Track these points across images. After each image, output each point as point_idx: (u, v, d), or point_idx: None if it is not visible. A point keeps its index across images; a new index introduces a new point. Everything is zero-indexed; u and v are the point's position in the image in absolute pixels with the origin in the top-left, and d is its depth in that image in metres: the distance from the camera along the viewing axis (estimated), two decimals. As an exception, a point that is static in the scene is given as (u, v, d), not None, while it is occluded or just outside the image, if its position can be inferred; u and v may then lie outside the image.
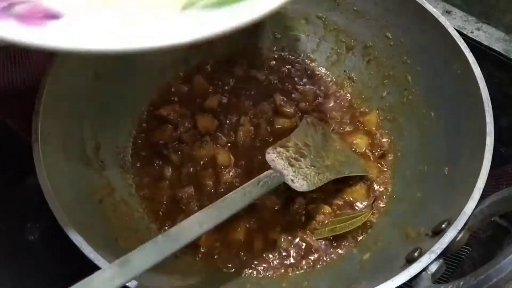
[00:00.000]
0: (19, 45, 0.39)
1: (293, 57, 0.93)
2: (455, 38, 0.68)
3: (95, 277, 0.46)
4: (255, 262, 0.71)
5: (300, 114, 0.85)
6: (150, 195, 0.77)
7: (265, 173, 0.66)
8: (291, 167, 0.70)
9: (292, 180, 0.68)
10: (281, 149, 0.71)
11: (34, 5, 0.44)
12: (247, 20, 0.44)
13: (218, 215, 0.57)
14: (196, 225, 0.55)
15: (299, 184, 0.69)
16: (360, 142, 0.82)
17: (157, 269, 0.50)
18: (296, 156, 0.72)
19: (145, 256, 0.50)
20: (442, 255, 0.53)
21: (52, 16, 0.43)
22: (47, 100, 0.62)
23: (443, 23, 0.70)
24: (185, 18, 0.45)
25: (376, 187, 0.78)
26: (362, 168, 0.79)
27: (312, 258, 0.72)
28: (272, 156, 0.70)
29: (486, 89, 0.63)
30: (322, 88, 0.89)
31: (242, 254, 0.72)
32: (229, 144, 0.81)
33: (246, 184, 0.62)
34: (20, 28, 0.40)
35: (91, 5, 0.46)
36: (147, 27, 0.44)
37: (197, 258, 0.71)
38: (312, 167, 0.72)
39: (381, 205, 0.77)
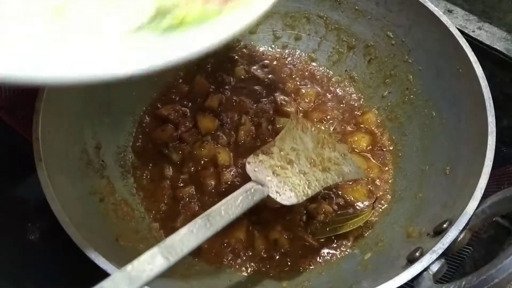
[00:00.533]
0: None
1: (294, 56, 0.92)
2: (456, 37, 0.68)
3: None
4: (256, 262, 0.71)
5: (301, 113, 0.85)
6: (150, 194, 0.76)
7: (244, 187, 0.58)
8: (276, 177, 0.62)
9: (277, 192, 0.60)
10: (264, 157, 0.63)
11: None
12: (201, 49, 0.39)
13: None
14: (159, 257, 0.49)
15: (286, 196, 0.61)
16: (361, 141, 0.82)
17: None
18: (282, 163, 0.64)
19: None
20: (444, 255, 0.53)
21: None
22: (47, 99, 0.62)
23: (445, 22, 0.70)
24: (130, 45, 0.40)
25: (377, 186, 0.78)
26: (360, 170, 0.72)
27: (313, 257, 0.72)
28: (253, 166, 0.61)
29: (488, 88, 0.63)
30: (323, 87, 0.89)
31: (243, 253, 0.72)
32: (230, 144, 0.81)
33: (220, 203, 0.54)
34: None
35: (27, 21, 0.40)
36: (88, 55, 0.39)
37: (197, 258, 0.71)
38: (301, 175, 0.64)
39: (382, 204, 0.77)
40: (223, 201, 0.55)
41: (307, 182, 0.63)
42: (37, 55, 0.37)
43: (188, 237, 0.50)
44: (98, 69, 0.37)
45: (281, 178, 0.62)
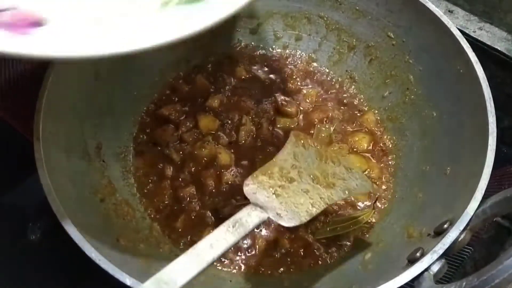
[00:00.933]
0: (6, 56, 0.38)
1: (295, 57, 0.92)
2: (457, 37, 0.68)
3: None
4: (256, 262, 0.71)
5: (302, 114, 0.85)
6: (151, 194, 0.76)
7: (243, 210, 0.55)
8: (276, 197, 0.58)
9: (278, 214, 0.56)
10: (263, 178, 0.60)
11: (17, 12, 0.43)
12: (224, 15, 0.42)
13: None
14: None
15: (288, 218, 0.56)
16: (362, 141, 0.82)
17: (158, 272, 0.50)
18: (283, 183, 0.60)
19: None
20: (444, 255, 0.53)
21: (36, 23, 0.42)
22: (48, 99, 0.62)
23: (446, 22, 0.70)
24: (164, 17, 0.44)
25: (377, 187, 0.78)
26: (367, 183, 0.68)
27: (313, 258, 0.72)
28: (252, 188, 0.58)
29: (489, 88, 0.63)
30: (323, 87, 0.89)
31: (244, 253, 0.72)
32: (230, 144, 0.81)
33: (217, 230, 0.52)
34: (7, 37, 0.39)
35: (72, 9, 0.45)
36: (129, 30, 0.43)
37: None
38: (304, 193, 0.60)
39: (383, 205, 0.77)
40: (221, 227, 0.52)
41: (311, 201, 0.60)
42: (111, 33, 0.42)
43: (189, 265, 0.48)
44: (148, 40, 0.40)
45: (282, 198, 0.58)
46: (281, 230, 0.73)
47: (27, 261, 0.72)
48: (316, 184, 0.62)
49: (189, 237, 0.72)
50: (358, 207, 0.76)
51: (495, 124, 0.61)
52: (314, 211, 0.59)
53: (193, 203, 0.75)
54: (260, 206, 0.56)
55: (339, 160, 0.68)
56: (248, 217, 0.54)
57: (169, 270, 0.46)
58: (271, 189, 0.59)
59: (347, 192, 0.64)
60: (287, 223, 0.56)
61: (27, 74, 0.75)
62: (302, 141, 0.67)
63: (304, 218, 0.58)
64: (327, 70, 0.91)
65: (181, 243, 0.72)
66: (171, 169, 0.78)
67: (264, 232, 0.73)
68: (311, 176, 0.63)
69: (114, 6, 0.46)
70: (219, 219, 0.73)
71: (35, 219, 0.75)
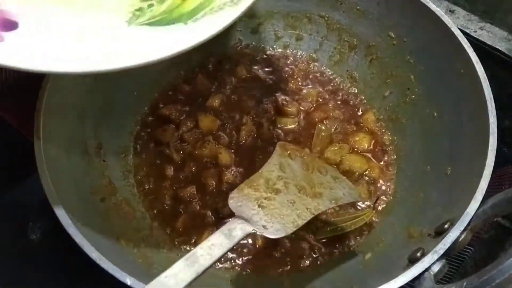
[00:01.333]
0: None
1: (295, 56, 0.92)
2: (458, 37, 0.68)
3: None
4: (257, 262, 0.71)
5: (302, 113, 0.85)
6: (152, 194, 0.76)
7: (226, 225, 0.54)
8: (262, 209, 0.58)
9: (264, 226, 0.56)
10: (249, 190, 0.60)
11: None
12: (197, 41, 0.43)
13: None
14: None
15: (274, 229, 0.56)
16: (363, 141, 0.82)
17: (158, 272, 0.50)
18: (269, 194, 0.60)
19: None
20: (445, 255, 0.53)
21: (9, 25, 0.43)
22: (49, 98, 0.62)
23: (447, 22, 0.70)
24: (132, 37, 0.45)
25: (378, 186, 0.78)
26: (354, 192, 0.69)
27: (314, 258, 0.72)
28: (236, 201, 0.58)
29: (489, 88, 0.63)
30: (324, 87, 0.89)
31: (244, 253, 0.72)
32: (231, 144, 0.81)
33: (202, 243, 0.51)
34: None
35: (41, 17, 0.46)
36: (95, 47, 0.43)
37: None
38: (290, 204, 0.60)
39: (384, 205, 0.76)
40: (205, 241, 0.52)
41: (297, 211, 0.60)
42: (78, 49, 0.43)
43: (169, 280, 0.47)
44: (113, 62, 0.42)
45: (267, 210, 0.58)
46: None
47: (27, 261, 0.72)
48: (302, 194, 0.63)
49: (189, 237, 0.72)
50: (359, 207, 0.76)
51: (495, 124, 0.61)
52: (300, 222, 0.59)
53: (194, 203, 0.75)
54: (245, 219, 0.55)
55: (326, 169, 0.69)
56: (233, 231, 0.53)
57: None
58: (256, 201, 0.58)
59: (333, 202, 0.65)
60: (272, 235, 0.56)
61: (27, 73, 0.75)
62: (288, 152, 0.67)
63: (290, 229, 0.57)
64: (328, 70, 0.91)
65: (182, 243, 0.72)
66: (172, 169, 0.78)
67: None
68: (298, 187, 0.64)
69: (84, 19, 0.47)
70: (219, 219, 0.73)
71: (35, 219, 0.75)
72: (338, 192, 0.66)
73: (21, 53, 0.42)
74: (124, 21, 0.47)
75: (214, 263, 0.51)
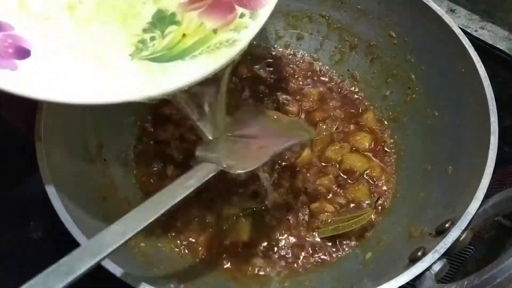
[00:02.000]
0: None
1: (296, 56, 0.92)
2: (459, 36, 0.68)
3: None
4: (257, 261, 0.71)
5: (303, 113, 0.85)
6: (153, 193, 0.76)
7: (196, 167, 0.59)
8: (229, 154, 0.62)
9: (228, 165, 0.59)
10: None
11: (10, 34, 0.47)
12: (198, 77, 0.46)
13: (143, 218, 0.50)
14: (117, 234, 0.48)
15: (239, 167, 0.59)
16: (363, 141, 0.82)
17: (158, 271, 0.50)
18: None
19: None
20: (446, 254, 0.53)
21: (22, 53, 0.46)
22: (50, 98, 0.62)
23: (447, 21, 0.70)
24: (135, 71, 0.47)
25: (379, 186, 0.78)
26: (307, 131, 0.72)
27: (314, 257, 0.72)
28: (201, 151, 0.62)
29: (490, 88, 0.63)
30: (325, 87, 0.89)
31: (245, 253, 0.72)
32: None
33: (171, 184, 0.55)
34: None
35: (51, 45, 0.48)
36: (99, 81, 0.47)
37: (198, 259, 0.71)
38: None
39: (384, 204, 0.76)
40: (174, 182, 0.55)
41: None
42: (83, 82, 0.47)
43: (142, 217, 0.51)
44: (117, 95, 0.46)
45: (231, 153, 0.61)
46: (282, 230, 0.73)
47: (29, 259, 0.72)
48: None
49: (189, 236, 0.72)
50: (360, 206, 0.76)
51: (496, 124, 0.61)
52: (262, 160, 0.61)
53: (194, 202, 0.75)
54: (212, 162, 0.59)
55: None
56: (199, 171, 0.57)
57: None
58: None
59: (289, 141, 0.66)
60: (238, 170, 0.59)
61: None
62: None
63: (253, 165, 0.60)
64: (329, 69, 0.91)
65: (182, 242, 0.72)
66: (172, 168, 0.78)
67: (263, 231, 0.73)
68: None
69: (91, 51, 0.49)
70: (219, 218, 0.73)
71: (37, 217, 0.76)
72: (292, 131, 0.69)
73: (32, 82, 0.45)
74: (128, 54, 0.49)
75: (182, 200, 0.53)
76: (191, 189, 0.54)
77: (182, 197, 0.53)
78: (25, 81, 0.45)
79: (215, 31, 0.50)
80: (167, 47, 0.50)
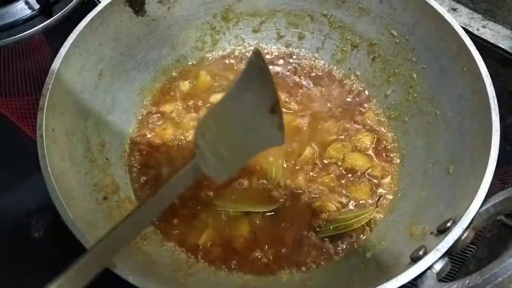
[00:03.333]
0: None
1: (298, 55, 0.92)
2: (461, 35, 0.68)
3: None
4: (257, 261, 0.71)
5: (304, 112, 0.85)
6: (154, 192, 0.76)
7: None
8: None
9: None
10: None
11: None
12: None
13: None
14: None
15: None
16: (365, 139, 0.82)
17: (158, 271, 0.50)
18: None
19: None
20: (447, 253, 0.53)
21: None
22: (51, 97, 0.62)
23: (449, 20, 0.70)
24: None
25: (380, 185, 0.78)
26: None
27: (315, 256, 0.71)
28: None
29: (492, 86, 0.63)
30: (326, 85, 0.89)
31: (245, 252, 0.72)
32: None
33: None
34: None
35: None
36: None
37: (198, 257, 0.71)
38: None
39: (386, 203, 0.76)
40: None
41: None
42: None
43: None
44: None
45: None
46: (283, 228, 0.73)
47: (30, 258, 0.73)
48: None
49: (189, 235, 0.72)
50: (361, 205, 0.76)
51: (498, 122, 0.60)
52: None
53: (194, 202, 0.75)
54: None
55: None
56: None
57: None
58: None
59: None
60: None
61: (30, 71, 0.75)
62: None
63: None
64: (330, 68, 0.91)
65: (183, 242, 0.72)
66: (173, 167, 0.78)
67: (264, 230, 0.73)
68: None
69: None
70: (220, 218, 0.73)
71: (38, 216, 0.76)
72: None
73: None
74: None
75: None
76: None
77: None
78: None
79: None
80: None
